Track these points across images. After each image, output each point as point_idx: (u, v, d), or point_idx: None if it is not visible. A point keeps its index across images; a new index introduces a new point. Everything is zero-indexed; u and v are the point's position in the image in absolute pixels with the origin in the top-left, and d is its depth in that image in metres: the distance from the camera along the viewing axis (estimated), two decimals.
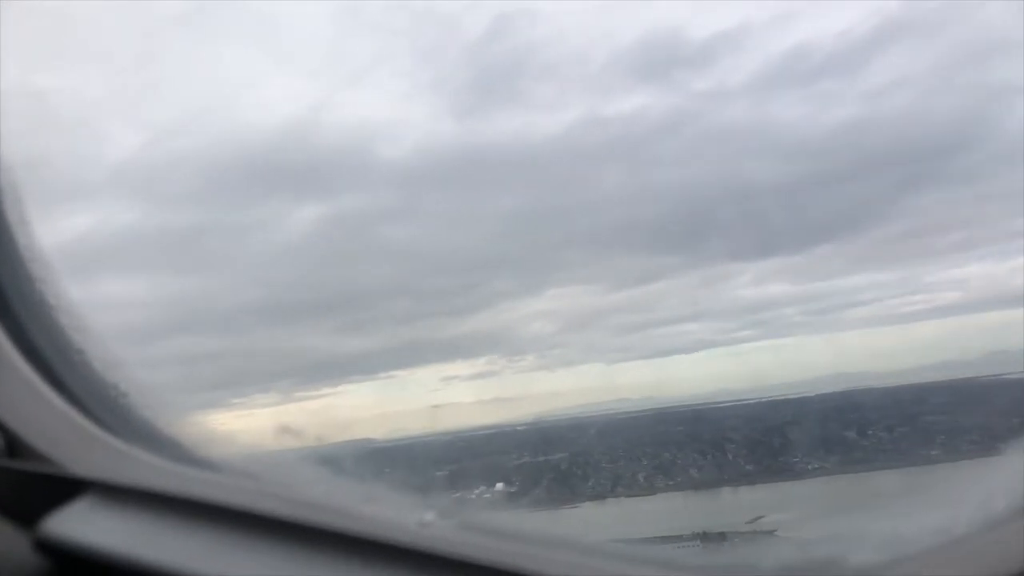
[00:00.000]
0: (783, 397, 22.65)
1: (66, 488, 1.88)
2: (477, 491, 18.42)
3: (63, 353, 2.14)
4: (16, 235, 2.23)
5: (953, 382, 18.25)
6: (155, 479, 1.85)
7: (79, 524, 1.82)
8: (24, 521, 1.84)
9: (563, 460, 20.49)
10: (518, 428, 23.17)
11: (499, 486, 18.56)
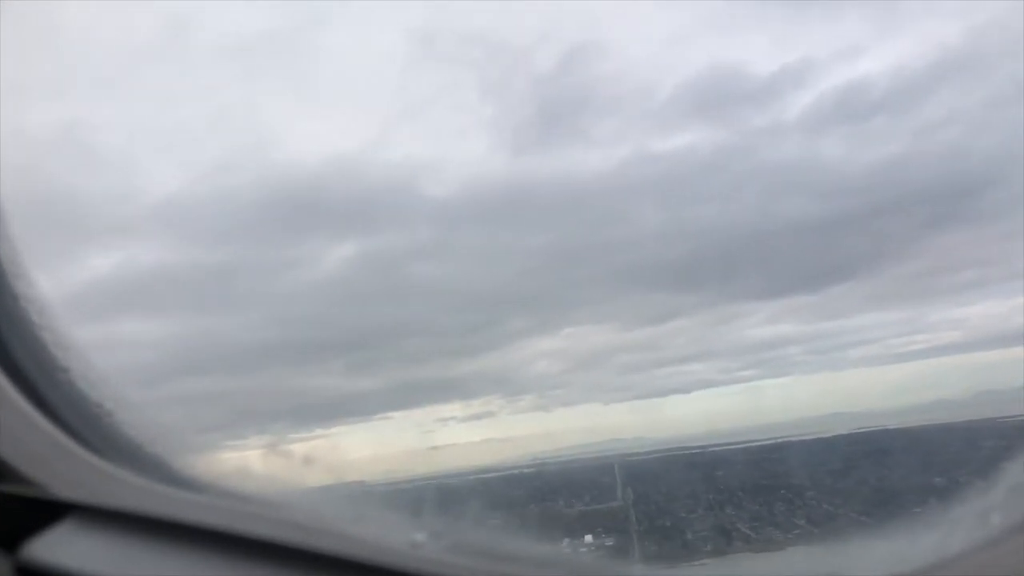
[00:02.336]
0: (799, 438, 22.37)
1: (49, 511, 1.84)
2: (562, 545, 17.89)
3: (46, 371, 2.09)
4: None
5: (977, 422, 17.83)
6: (140, 501, 1.81)
7: (61, 548, 1.77)
8: (5, 545, 1.80)
9: (627, 508, 19.54)
10: (525, 471, 22.66)
11: (588, 538, 18.02)
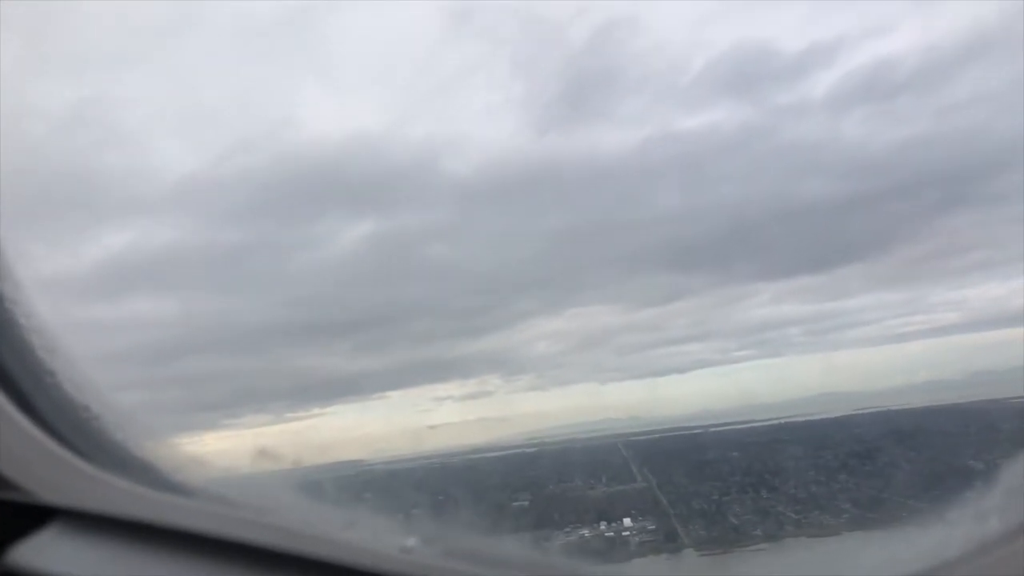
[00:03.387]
0: (803, 418, 21.92)
1: (35, 516, 1.81)
2: (601, 528, 17.36)
3: (33, 375, 2.06)
4: None
5: (985, 403, 17.38)
6: (126, 506, 1.79)
7: (47, 553, 1.75)
8: None
9: (652, 490, 18.59)
10: (526, 450, 22.33)
11: (627, 522, 17.55)
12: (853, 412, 22.13)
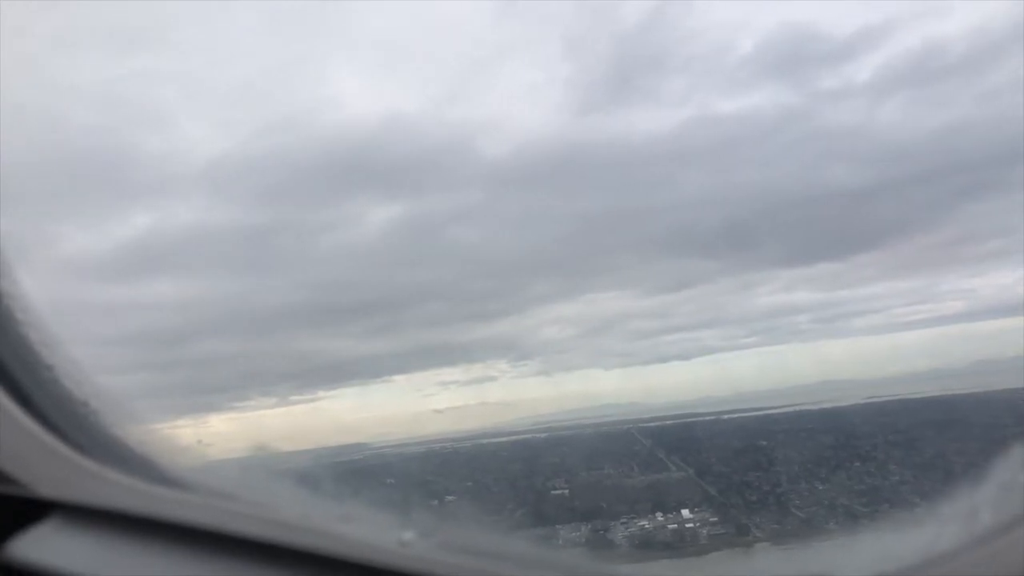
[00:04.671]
0: (817, 406, 21.34)
1: (33, 510, 1.81)
2: (659, 519, 16.70)
3: (31, 369, 2.06)
4: None
5: (1006, 392, 16.95)
6: (125, 500, 1.79)
7: (45, 547, 1.75)
8: None
9: (693, 479, 18.22)
10: (537, 436, 22.04)
11: (685, 513, 16.89)
12: (866, 400, 21.82)
